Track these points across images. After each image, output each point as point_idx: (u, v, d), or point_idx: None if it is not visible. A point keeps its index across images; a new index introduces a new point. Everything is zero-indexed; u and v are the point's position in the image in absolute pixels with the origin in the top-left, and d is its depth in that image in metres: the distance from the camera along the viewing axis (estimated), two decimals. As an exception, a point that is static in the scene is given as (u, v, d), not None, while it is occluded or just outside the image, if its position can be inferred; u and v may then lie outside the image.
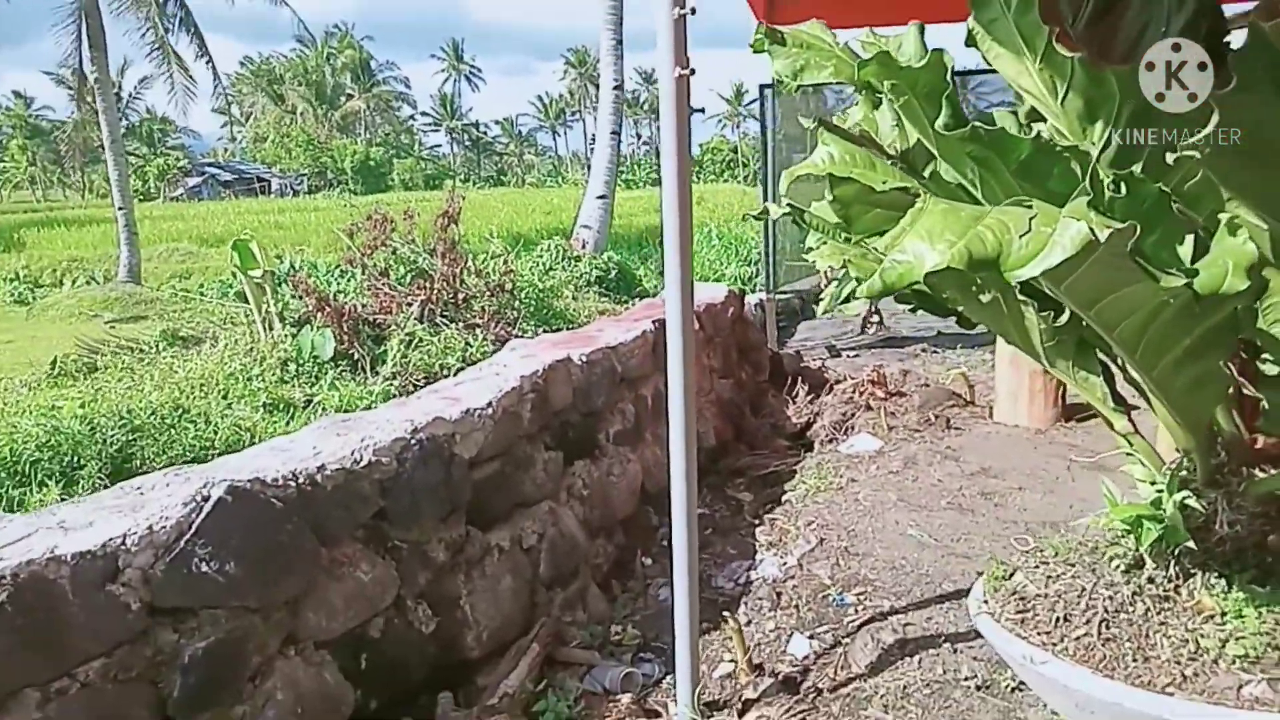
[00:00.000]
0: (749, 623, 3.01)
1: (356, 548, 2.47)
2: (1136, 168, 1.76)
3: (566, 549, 3.23)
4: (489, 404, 2.96)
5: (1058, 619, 2.08)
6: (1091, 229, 1.29)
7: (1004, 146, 1.74)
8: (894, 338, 7.33)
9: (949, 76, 1.73)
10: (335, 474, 2.39)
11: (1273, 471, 2.00)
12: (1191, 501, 2.04)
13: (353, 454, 2.48)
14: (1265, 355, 1.77)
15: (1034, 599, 2.19)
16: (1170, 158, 1.41)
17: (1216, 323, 1.68)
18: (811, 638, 2.80)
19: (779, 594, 3.17)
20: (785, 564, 3.39)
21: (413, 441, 2.63)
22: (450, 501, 2.74)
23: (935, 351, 6.76)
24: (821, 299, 2.72)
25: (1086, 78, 1.78)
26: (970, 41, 1.96)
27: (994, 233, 1.34)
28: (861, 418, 4.73)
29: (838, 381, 5.42)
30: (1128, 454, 2.29)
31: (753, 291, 10.59)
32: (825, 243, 2.31)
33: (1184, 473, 2.10)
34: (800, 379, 5.38)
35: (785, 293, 7.70)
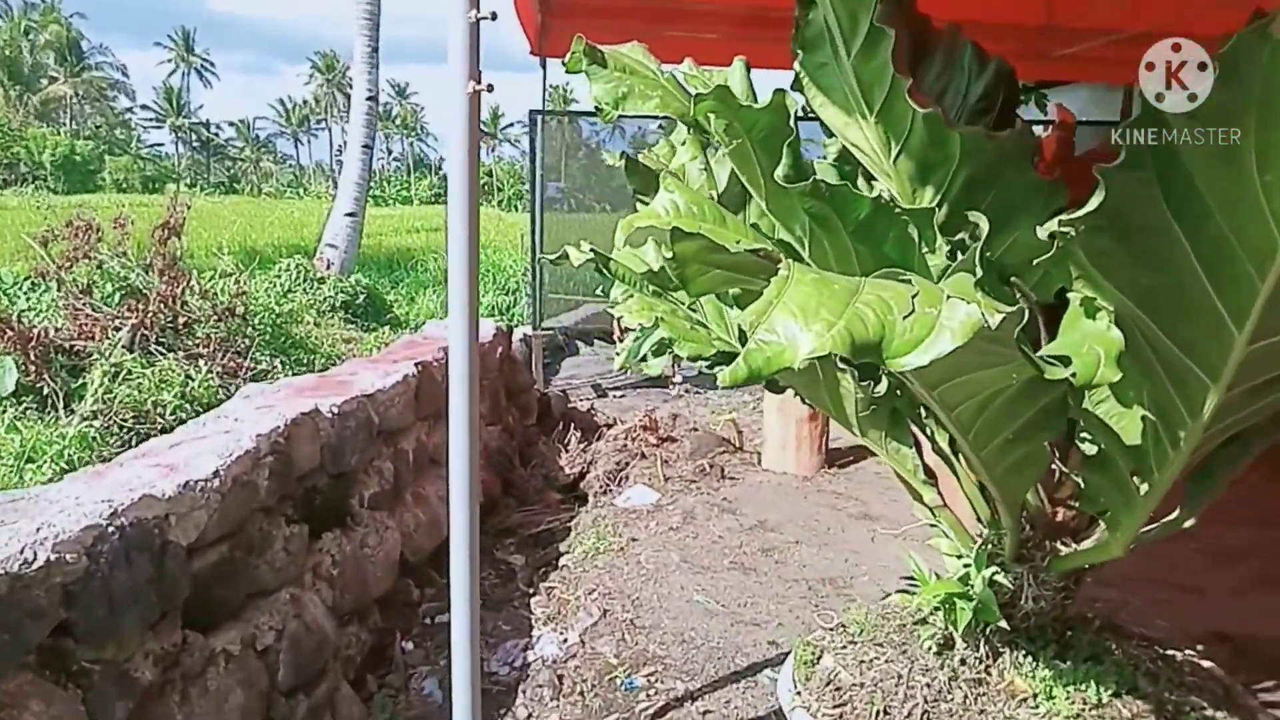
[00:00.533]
0: (529, 717, 2.66)
1: (24, 679, 1.85)
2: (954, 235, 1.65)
3: (313, 645, 2.71)
4: (215, 473, 2.41)
5: (878, 712, 1.94)
6: (983, 314, 1.11)
7: (844, 205, 1.56)
8: (657, 377, 7.30)
9: (792, 122, 1.53)
10: (-7, 582, 1.78)
11: (1073, 545, 1.98)
12: (1000, 578, 1.98)
13: (22, 552, 1.87)
14: (1084, 435, 1.72)
15: (850, 689, 2.03)
16: (1042, 232, 1.28)
17: (1047, 404, 1.60)
18: (600, 731, 2.51)
19: (560, 678, 2.86)
20: (566, 641, 3.08)
21: (111, 529, 2.04)
22: (162, 603, 2.17)
23: (698, 392, 6.78)
24: (618, 354, 2.47)
25: (927, 137, 1.66)
26: (797, 86, 1.80)
27: (875, 312, 1.13)
28: (636, 467, 4.55)
29: (609, 426, 5.22)
30: (932, 525, 2.22)
31: (512, 323, 10.26)
32: (632, 295, 2.05)
33: (990, 547, 2.05)
34: (571, 423, 5.13)
35: (549, 328, 7.47)
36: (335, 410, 3.14)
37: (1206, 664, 2.12)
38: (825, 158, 2.14)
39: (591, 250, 1.97)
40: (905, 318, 1.12)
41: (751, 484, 4.54)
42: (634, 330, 2.31)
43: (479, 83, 1.72)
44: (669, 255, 1.30)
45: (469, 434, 2.01)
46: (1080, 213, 1.20)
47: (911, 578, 3.44)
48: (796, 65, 1.73)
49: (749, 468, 4.78)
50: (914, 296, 1.15)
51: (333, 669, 2.85)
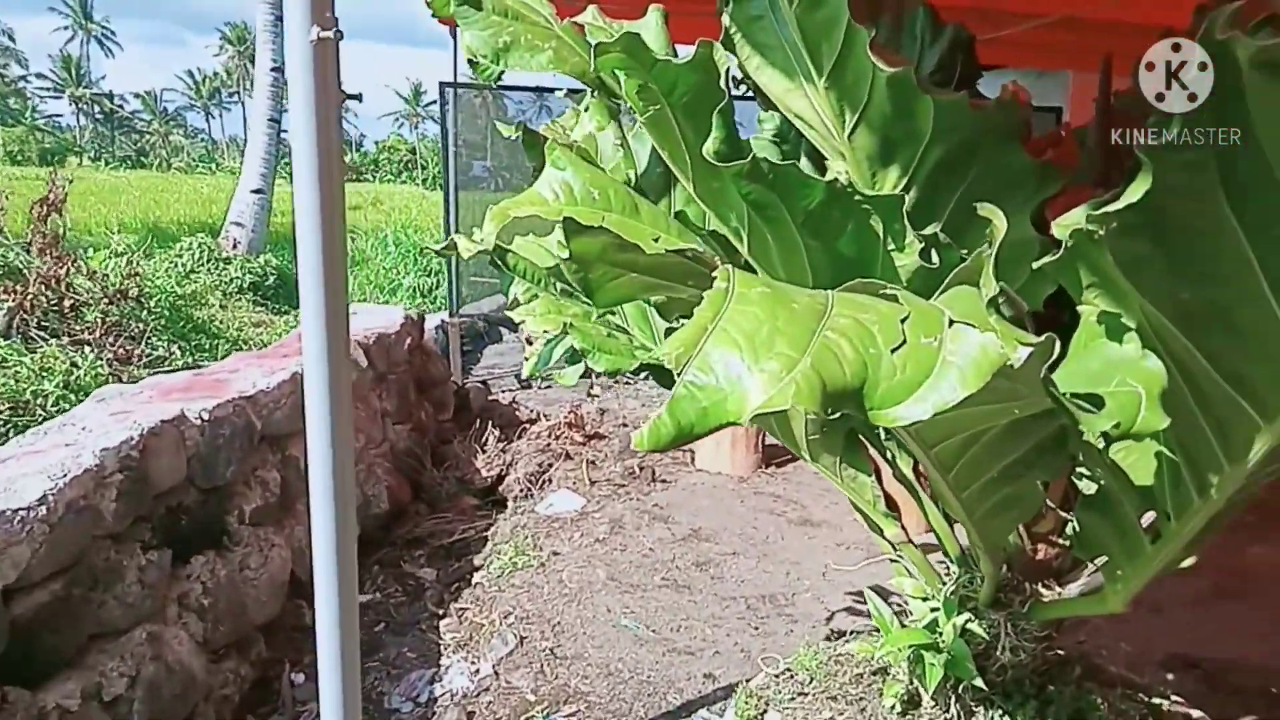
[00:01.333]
0: (430, 765, 2.33)
1: None
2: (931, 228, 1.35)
3: (175, 688, 2.33)
4: (43, 499, 2.00)
5: (832, 790, 1.65)
6: (1001, 344, 0.80)
7: (791, 190, 1.24)
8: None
9: (724, 83, 1.21)
10: None
11: (1056, 589, 1.72)
12: (973, 626, 1.71)
13: None
14: (1082, 471, 1.44)
15: (798, 756, 1.74)
16: (1061, 231, 0.98)
17: (1044, 440, 1.31)
18: (512, 790, 2.19)
19: (470, 716, 2.52)
20: (478, 673, 2.74)
21: (-117, 583, 1.64)
22: (-38, 664, 1.77)
23: (628, 382, 6.45)
24: (527, 357, 2.12)
25: (892, 107, 1.35)
26: (726, 45, 1.47)
27: (852, 343, 0.81)
28: (560, 468, 4.20)
29: (532, 421, 4.86)
30: (893, 560, 1.93)
31: (434, 307, 9.74)
32: (535, 295, 1.71)
33: (962, 589, 1.77)
34: (489, 419, 4.75)
35: (469, 315, 7.04)
36: (206, 416, 2.73)
37: (1196, 714, 1.89)
38: (761, 134, 1.82)
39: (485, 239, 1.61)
40: (894, 350, 0.81)
41: (685, 487, 4.24)
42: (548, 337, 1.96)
43: (326, 28, 1.34)
44: (565, 255, 0.97)
45: (333, 466, 1.64)
46: (1115, 206, 0.90)
47: (858, 594, 3.20)
48: (725, 18, 1.41)
49: (682, 468, 4.48)
50: (904, 320, 0.83)
51: (203, 712, 2.47)
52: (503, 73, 1.41)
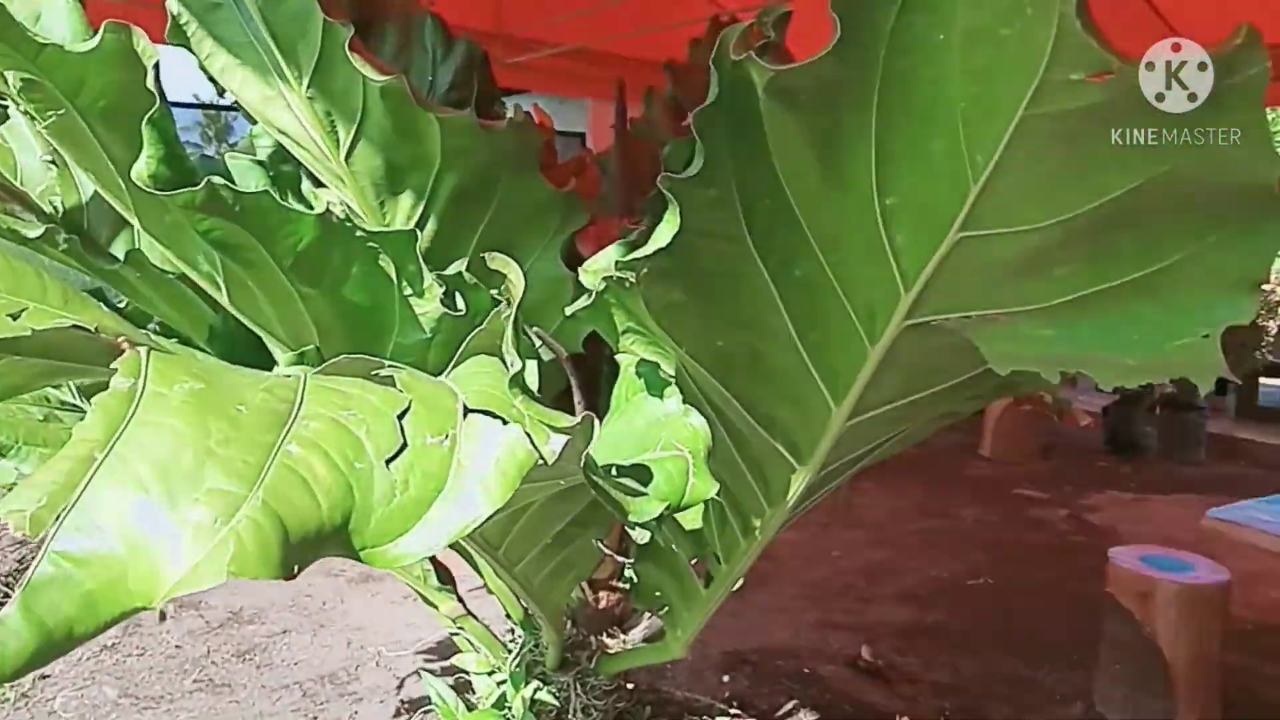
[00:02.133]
0: None
1: None
2: (462, 264, 1.17)
3: None
4: None
5: None
6: (531, 439, 0.62)
7: (270, 226, 0.97)
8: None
9: (153, 82, 0.89)
10: None
11: (622, 637, 1.65)
12: (543, 694, 1.56)
13: None
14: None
15: None
16: (591, 279, 0.84)
17: (592, 500, 1.20)
18: None
19: None
20: None
21: None
22: None
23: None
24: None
25: (393, 125, 1.13)
26: (178, 37, 1.15)
27: (329, 461, 0.57)
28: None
29: (8, 506, 3.85)
30: (454, 634, 1.73)
31: None
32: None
33: (529, 655, 1.62)
34: None
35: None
36: None
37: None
38: (244, 154, 1.50)
39: None
40: (389, 462, 0.59)
41: (221, 559, 3.64)
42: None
43: None
44: None
45: None
46: (645, 251, 0.78)
47: (430, 652, 2.96)
48: (171, 4, 1.10)
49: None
50: (401, 416, 0.61)
51: None
52: None
